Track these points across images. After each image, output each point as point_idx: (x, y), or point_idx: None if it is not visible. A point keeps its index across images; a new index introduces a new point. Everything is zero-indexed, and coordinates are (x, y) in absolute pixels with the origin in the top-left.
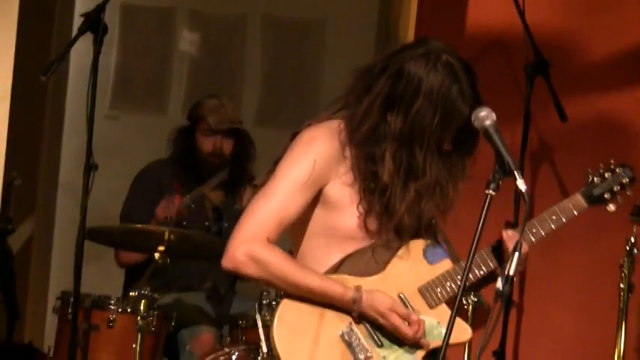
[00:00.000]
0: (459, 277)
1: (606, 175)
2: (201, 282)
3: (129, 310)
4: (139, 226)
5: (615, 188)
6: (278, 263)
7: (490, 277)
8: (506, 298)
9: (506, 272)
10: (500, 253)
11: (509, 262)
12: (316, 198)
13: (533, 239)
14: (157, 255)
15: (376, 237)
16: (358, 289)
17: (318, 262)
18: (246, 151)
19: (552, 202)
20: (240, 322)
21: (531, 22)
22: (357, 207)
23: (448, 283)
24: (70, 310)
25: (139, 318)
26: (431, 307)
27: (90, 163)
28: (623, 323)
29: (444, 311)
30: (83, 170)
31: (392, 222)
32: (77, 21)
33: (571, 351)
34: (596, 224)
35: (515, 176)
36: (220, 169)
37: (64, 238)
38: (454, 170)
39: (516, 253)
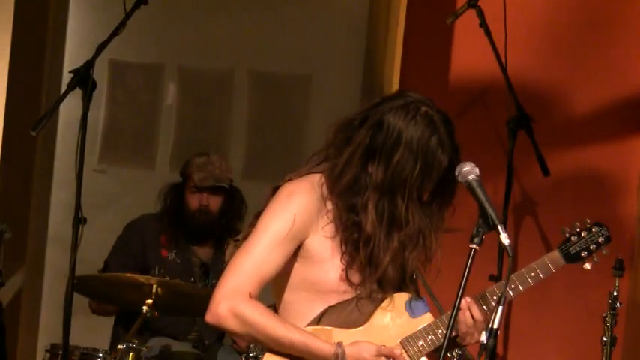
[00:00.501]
0: (440, 330)
1: (582, 233)
2: (186, 332)
3: None
4: (128, 275)
5: (592, 247)
6: (259, 318)
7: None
8: (490, 352)
9: (490, 325)
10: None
11: (492, 316)
12: (296, 252)
13: (513, 294)
14: (145, 308)
15: (359, 289)
16: (340, 344)
17: (300, 315)
18: (235, 208)
19: (535, 255)
20: None
21: (513, 77)
22: (340, 259)
23: (429, 337)
24: None
25: None
26: (412, 359)
27: (79, 216)
28: None
29: None
30: (72, 224)
31: (376, 273)
32: (66, 77)
33: None
34: (579, 278)
35: (498, 230)
36: (209, 226)
37: (54, 291)
38: (435, 220)
39: (500, 307)
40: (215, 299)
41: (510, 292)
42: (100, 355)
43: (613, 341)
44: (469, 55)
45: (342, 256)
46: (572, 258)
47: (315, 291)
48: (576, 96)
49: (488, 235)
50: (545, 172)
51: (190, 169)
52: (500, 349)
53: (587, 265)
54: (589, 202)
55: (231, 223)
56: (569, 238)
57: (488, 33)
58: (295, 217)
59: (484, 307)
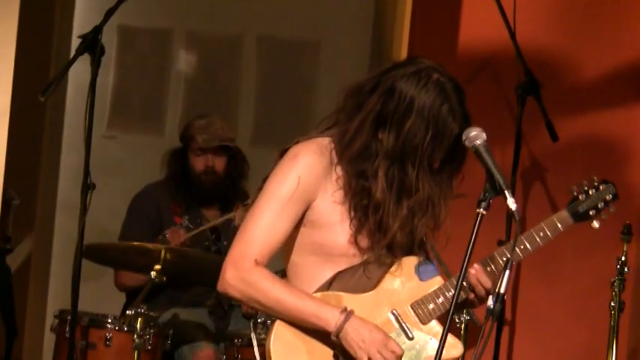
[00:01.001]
0: (450, 293)
1: (590, 192)
2: (204, 298)
3: (125, 328)
4: (136, 243)
5: (599, 205)
6: (265, 284)
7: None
8: (497, 316)
9: (497, 290)
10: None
11: (499, 280)
12: (304, 215)
13: (522, 255)
14: (153, 274)
15: (368, 253)
16: (347, 311)
17: (310, 278)
18: (239, 168)
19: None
20: (236, 340)
21: (522, 43)
22: (349, 225)
23: (440, 300)
24: (67, 329)
25: (135, 336)
26: (423, 323)
27: (88, 182)
28: (614, 341)
29: (436, 327)
30: (81, 189)
31: (385, 239)
32: (75, 42)
33: None
34: (587, 243)
35: (505, 195)
36: (216, 187)
37: (63, 257)
38: (444, 187)
39: (507, 272)
40: (224, 269)
41: (520, 252)
42: (109, 320)
43: (621, 307)
44: (478, 21)
45: (350, 221)
46: (581, 217)
47: (324, 254)
48: (585, 62)
49: (497, 201)
50: (554, 137)
51: (192, 132)
52: (508, 314)
53: (596, 224)
54: (597, 168)
55: (236, 183)
56: (577, 197)
57: None
58: (300, 179)
59: (494, 268)
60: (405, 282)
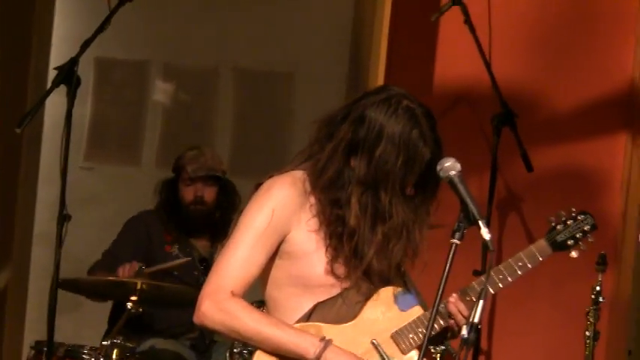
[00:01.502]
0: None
1: (568, 222)
2: (186, 331)
3: (102, 359)
4: (111, 278)
5: (578, 235)
6: (239, 315)
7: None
8: (471, 346)
9: (470, 320)
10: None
11: (473, 310)
12: (279, 248)
13: (501, 285)
14: (129, 304)
15: (346, 282)
16: (325, 340)
17: (289, 311)
18: (230, 199)
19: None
20: None
21: (498, 74)
22: (325, 253)
23: (420, 329)
24: (43, 359)
25: None
26: (403, 352)
27: (63, 213)
28: None
29: (415, 357)
30: (57, 221)
31: (361, 266)
32: (52, 74)
33: None
34: (562, 273)
35: (479, 225)
36: (205, 217)
37: (39, 288)
38: (419, 213)
39: (481, 301)
40: (200, 301)
41: (499, 282)
42: (86, 351)
43: (596, 336)
44: (454, 52)
45: (326, 249)
46: (559, 246)
47: (301, 286)
48: (560, 93)
49: (473, 231)
50: (529, 167)
51: (183, 162)
52: (484, 344)
53: (574, 254)
54: (573, 198)
55: (226, 215)
56: (555, 227)
57: (472, 30)
58: (274, 211)
59: (473, 298)
60: (385, 312)
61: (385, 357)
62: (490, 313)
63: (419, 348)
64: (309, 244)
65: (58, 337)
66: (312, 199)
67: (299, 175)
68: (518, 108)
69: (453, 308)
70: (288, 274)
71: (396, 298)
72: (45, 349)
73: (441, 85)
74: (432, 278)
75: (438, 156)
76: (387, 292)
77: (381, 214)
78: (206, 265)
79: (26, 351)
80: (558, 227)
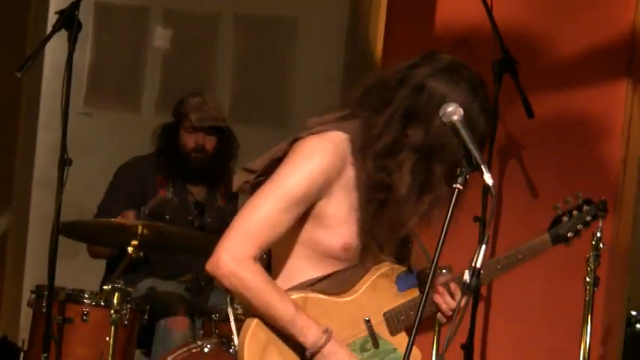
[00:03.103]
0: None
1: (574, 212)
2: (182, 272)
3: (102, 303)
4: (113, 220)
5: (579, 227)
6: (255, 284)
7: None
8: (473, 291)
9: (472, 264)
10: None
11: (475, 255)
12: (308, 211)
13: (495, 275)
14: (130, 249)
15: (360, 257)
16: (326, 332)
17: (294, 269)
18: (229, 148)
19: (520, 197)
20: (213, 316)
21: (499, 20)
22: (350, 225)
23: (411, 312)
24: (44, 304)
25: (112, 311)
26: (392, 334)
27: (64, 158)
28: (589, 316)
29: (404, 338)
30: (57, 165)
31: (398, 234)
32: (52, 18)
33: (538, 343)
34: None
35: (482, 170)
36: (204, 165)
37: (39, 233)
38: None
39: (483, 246)
40: (218, 251)
41: (496, 273)
42: (86, 296)
43: (596, 282)
44: None
45: (355, 217)
46: (560, 240)
47: (316, 251)
48: (561, 39)
49: (472, 178)
50: (530, 114)
51: (186, 109)
52: (484, 290)
53: (571, 243)
54: (573, 145)
55: (225, 163)
56: (560, 219)
57: None
58: (312, 181)
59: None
60: (384, 291)
61: (374, 335)
62: (490, 258)
63: (407, 330)
64: (336, 216)
65: (58, 282)
66: (351, 170)
67: (340, 138)
68: (519, 54)
69: (438, 299)
70: (308, 236)
71: (397, 278)
72: (45, 293)
73: (441, 31)
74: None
75: (490, 128)
76: (391, 271)
77: (428, 185)
78: (200, 209)
79: (27, 295)
80: (564, 219)
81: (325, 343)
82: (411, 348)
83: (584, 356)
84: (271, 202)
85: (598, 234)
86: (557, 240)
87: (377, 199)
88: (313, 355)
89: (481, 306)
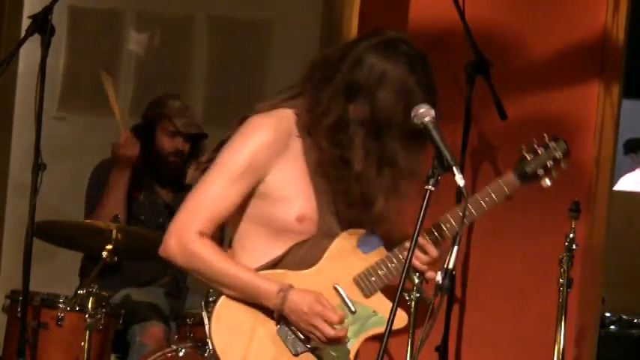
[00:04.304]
0: (392, 264)
1: (539, 150)
2: (158, 277)
3: (77, 308)
4: (88, 221)
5: (548, 164)
6: (206, 254)
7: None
8: (446, 292)
9: (445, 266)
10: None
11: (448, 256)
12: (255, 188)
13: (466, 221)
14: (104, 254)
15: (318, 228)
16: (285, 287)
17: (255, 250)
18: (200, 154)
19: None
20: (188, 320)
21: (472, 22)
22: (306, 197)
23: (382, 272)
24: (19, 308)
25: (86, 316)
26: (366, 296)
27: (38, 162)
28: (563, 318)
29: (380, 299)
30: (32, 169)
31: (371, 211)
32: (26, 22)
33: (513, 345)
34: (535, 221)
35: (453, 172)
36: (179, 169)
37: (14, 237)
38: (412, 161)
39: (455, 247)
40: (167, 233)
41: (465, 219)
42: (61, 300)
43: (570, 283)
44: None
45: (306, 195)
46: (529, 177)
47: (270, 228)
48: (534, 41)
49: (445, 180)
50: (503, 116)
51: (167, 111)
52: (458, 291)
53: (547, 182)
54: None
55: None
56: (525, 157)
57: None
58: (254, 155)
59: (438, 236)
60: (347, 255)
61: (347, 301)
62: (464, 259)
63: (382, 290)
64: (285, 191)
65: (33, 287)
66: (299, 144)
67: (286, 114)
68: (492, 56)
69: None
70: (260, 213)
71: (358, 241)
72: (20, 297)
73: (414, 33)
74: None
75: (431, 104)
76: (350, 236)
77: (385, 159)
78: (170, 211)
79: (1, 299)
80: (528, 157)
81: (284, 302)
82: (396, 310)
83: (558, 357)
84: (215, 180)
85: (571, 235)
86: (525, 178)
87: (335, 174)
88: (279, 316)
89: (456, 307)
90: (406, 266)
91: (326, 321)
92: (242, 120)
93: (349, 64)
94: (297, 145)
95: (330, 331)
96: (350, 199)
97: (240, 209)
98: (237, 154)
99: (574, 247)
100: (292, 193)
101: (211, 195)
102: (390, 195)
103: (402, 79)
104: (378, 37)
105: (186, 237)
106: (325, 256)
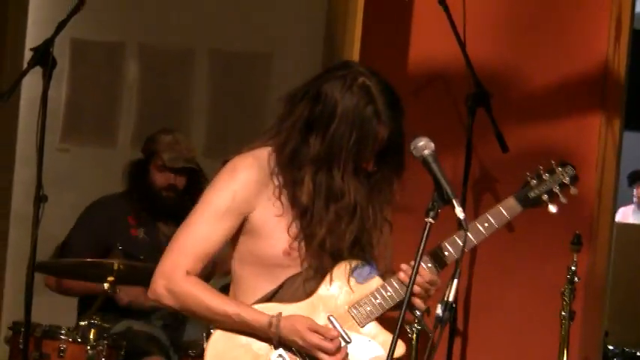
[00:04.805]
0: (388, 292)
1: (544, 176)
2: (156, 309)
3: (79, 339)
4: (89, 260)
5: (555, 189)
6: (193, 292)
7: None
8: (445, 324)
9: (445, 298)
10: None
11: (447, 289)
12: (242, 225)
13: (465, 249)
14: (106, 285)
15: (304, 262)
16: (276, 315)
17: (248, 289)
18: (200, 186)
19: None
20: (190, 351)
21: (473, 54)
22: (287, 233)
23: (377, 300)
24: (21, 340)
25: (88, 347)
26: (361, 325)
27: (40, 194)
28: (565, 351)
29: (375, 328)
30: (33, 202)
31: (314, 244)
32: (28, 55)
33: None
34: (537, 253)
35: (453, 204)
36: (175, 203)
37: (16, 269)
38: (379, 192)
39: (455, 280)
40: (154, 276)
41: (464, 245)
42: (63, 332)
43: (572, 316)
44: (428, 32)
45: (288, 230)
46: (531, 202)
47: (260, 264)
48: (535, 73)
49: (446, 212)
50: (504, 148)
51: (157, 147)
52: (460, 324)
53: (552, 209)
54: None
55: (194, 200)
56: (528, 183)
57: (447, 10)
58: (236, 194)
59: (435, 265)
60: (342, 286)
61: (342, 332)
62: (466, 292)
63: (377, 319)
64: (269, 227)
65: (35, 318)
66: (277, 180)
67: (265, 153)
68: (492, 88)
69: (403, 277)
70: (248, 251)
71: (352, 271)
72: (22, 329)
73: (415, 66)
74: (402, 259)
75: (395, 132)
76: (343, 267)
77: (334, 193)
78: None
79: (4, 331)
80: (532, 182)
81: (280, 320)
82: (397, 340)
83: None
84: (199, 217)
85: (573, 267)
86: (527, 203)
87: (292, 212)
88: (276, 336)
89: (457, 340)
90: (407, 297)
91: (323, 337)
92: (224, 163)
93: (308, 98)
94: (276, 181)
95: (330, 345)
96: (299, 235)
97: (234, 250)
98: (220, 192)
99: (576, 279)
100: (277, 228)
101: (197, 234)
102: (332, 231)
103: (355, 110)
104: (339, 70)
105: (174, 278)
106: (320, 287)
